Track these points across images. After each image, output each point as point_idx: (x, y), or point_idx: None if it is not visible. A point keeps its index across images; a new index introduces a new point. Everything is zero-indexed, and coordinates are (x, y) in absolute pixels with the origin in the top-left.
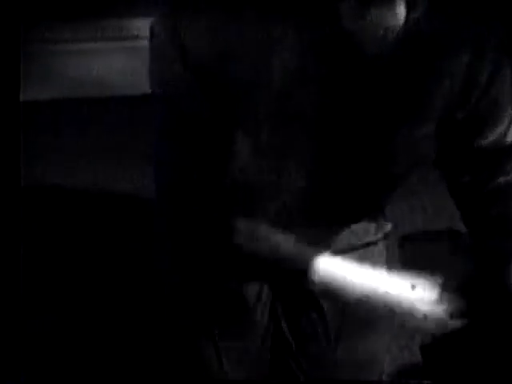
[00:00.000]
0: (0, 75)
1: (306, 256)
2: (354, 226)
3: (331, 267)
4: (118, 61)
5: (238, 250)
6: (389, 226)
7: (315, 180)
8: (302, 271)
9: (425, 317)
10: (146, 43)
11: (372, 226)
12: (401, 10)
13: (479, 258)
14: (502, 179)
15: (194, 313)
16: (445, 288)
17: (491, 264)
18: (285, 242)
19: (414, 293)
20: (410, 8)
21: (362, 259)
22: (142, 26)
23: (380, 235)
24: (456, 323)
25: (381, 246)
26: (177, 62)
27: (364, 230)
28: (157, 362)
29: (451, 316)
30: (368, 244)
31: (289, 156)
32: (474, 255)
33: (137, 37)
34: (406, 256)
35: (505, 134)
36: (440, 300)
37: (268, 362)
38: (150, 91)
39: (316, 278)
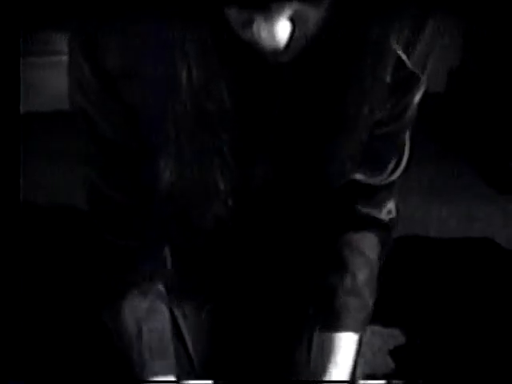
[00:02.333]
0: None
1: None
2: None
3: None
4: None
5: None
6: None
7: (244, 189)
8: None
9: None
10: None
11: None
12: (282, 29)
13: None
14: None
15: None
16: None
17: None
18: None
19: None
20: (295, 26)
21: None
22: None
23: None
24: None
25: None
26: (92, 79)
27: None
28: None
29: None
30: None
31: (211, 166)
32: None
33: None
34: None
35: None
36: None
37: None
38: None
39: None
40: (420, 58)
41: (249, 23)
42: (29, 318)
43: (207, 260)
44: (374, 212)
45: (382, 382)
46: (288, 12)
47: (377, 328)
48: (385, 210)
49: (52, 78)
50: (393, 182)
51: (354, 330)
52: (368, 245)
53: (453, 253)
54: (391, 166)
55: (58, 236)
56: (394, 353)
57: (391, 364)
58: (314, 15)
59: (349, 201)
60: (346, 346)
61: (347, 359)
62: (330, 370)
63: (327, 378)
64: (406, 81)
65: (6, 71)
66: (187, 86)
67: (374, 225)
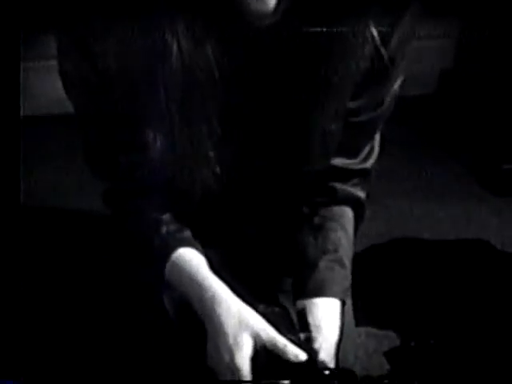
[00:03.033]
0: (0, 91)
1: None
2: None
3: None
4: None
5: None
6: None
7: (232, 167)
8: None
9: None
10: None
11: None
12: None
13: None
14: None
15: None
16: None
17: None
18: None
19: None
20: None
21: None
22: None
23: None
24: None
25: None
26: (86, 69)
27: None
28: (156, 362)
29: None
30: None
31: (200, 135)
32: None
33: None
34: None
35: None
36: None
37: None
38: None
39: None
40: (397, 48)
41: None
42: (29, 320)
43: (195, 225)
44: (351, 189)
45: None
46: None
47: (371, 330)
48: (360, 189)
49: (51, 82)
50: (367, 170)
51: (340, 297)
52: (347, 219)
53: (448, 255)
54: (365, 151)
55: (58, 238)
56: (388, 355)
57: (386, 366)
58: None
59: (328, 179)
60: (333, 311)
61: (336, 324)
62: (318, 337)
63: (315, 346)
64: (383, 70)
65: (7, 75)
66: (177, 55)
67: (351, 200)
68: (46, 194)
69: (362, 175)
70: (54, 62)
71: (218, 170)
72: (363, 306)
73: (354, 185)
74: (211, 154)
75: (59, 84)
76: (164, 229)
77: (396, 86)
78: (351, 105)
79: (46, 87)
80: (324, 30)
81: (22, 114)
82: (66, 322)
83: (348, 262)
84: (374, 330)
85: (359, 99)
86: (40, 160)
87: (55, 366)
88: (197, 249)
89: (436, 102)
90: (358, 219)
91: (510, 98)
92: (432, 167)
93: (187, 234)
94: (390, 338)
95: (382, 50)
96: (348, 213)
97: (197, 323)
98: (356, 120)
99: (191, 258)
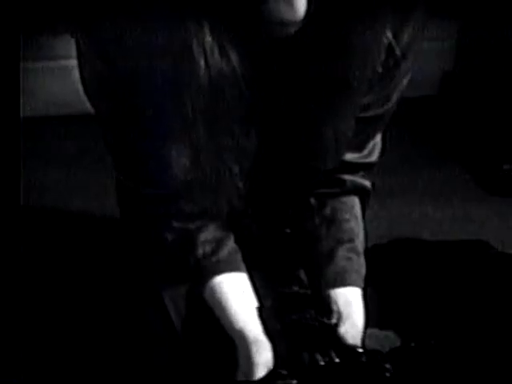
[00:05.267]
0: (0, 91)
1: None
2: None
3: None
4: None
5: None
6: None
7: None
8: None
9: None
10: None
11: None
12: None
13: None
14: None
15: None
16: None
17: None
18: None
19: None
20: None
21: None
22: None
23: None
24: None
25: None
26: (107, 72)
27: None
28: (156, 362)
29: None
30: None
31: (225, 150)
32: None
33: None
34: None
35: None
36: None
37: None
38: None
39: None
40: (409, 44)
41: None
42: (29, 320)
43: None
44: (359, 179)
45: None
46: None
47: (372, 330)
48: (366, 178)
49: (51, 82)
50: (373, 163)
51: (360, 286)
52: (357, 209)
53: (448, 255)
54: (369, 146)
55: (58, 238)
56: (389, 355)
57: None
58: None
59: (336, 172)
60: (355, 300)
61: (360, 311)
62: (344, 323)
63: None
64: (393, 67)
65: (6, 76)
66: (204, 67)
67: (360, 190)
68: (46, 194)
69: (368, 168)
70: (54, 63)
71: (241, 185)
72: (364, 306)
73: (361, 176)
74: (236, 168)
75: (59, 84)
76: (200, 251)
77: (405, 81)
78: (362, 101)
79: (46, 87)
80: (345, 36)
81: (21, 114)
82: (66, 323)
83: (362, 251)
84: (374, 331)
85: (370, 95)
86: (40, 160)
87: (55, 366)
88: (233, 270)
89: (437, 104)
90: (364, 208)
91: (510, 99)
92: (433, 168)
93: (223, 253)
94: (391, 339)
95: (396, 49)
96: (357, 202)
97: (199, 322)
98: (365, 115)
99: (227, 291)
